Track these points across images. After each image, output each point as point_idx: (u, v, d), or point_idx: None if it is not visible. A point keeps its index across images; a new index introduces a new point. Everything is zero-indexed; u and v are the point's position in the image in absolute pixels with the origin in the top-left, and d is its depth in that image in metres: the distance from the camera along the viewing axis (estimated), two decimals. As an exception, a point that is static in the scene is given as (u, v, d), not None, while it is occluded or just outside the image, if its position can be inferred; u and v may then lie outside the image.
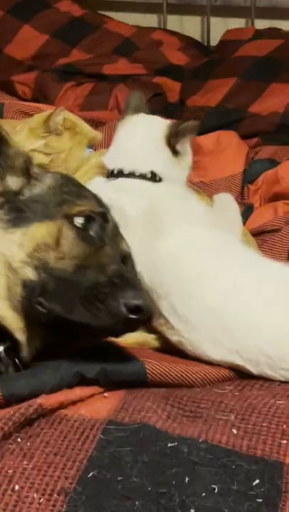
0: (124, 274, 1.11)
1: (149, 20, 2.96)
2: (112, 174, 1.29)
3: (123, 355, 1.14)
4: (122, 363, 1.10)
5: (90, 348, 1.14)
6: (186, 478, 0.85)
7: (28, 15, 2.83)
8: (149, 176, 1.27)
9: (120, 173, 1.27)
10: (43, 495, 0.83)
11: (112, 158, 1.31)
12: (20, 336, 1.09)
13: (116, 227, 1.18)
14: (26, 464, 0.87)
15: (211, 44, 2.83)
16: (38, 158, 1.54)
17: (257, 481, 0.86)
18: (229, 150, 1.96)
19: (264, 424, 0.96)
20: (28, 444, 0.89)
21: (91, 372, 1.04)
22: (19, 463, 0.87)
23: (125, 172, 1.27)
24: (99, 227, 1.14)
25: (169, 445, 0.89)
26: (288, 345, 1.12)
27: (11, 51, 2.78)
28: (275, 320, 1.13)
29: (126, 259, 1.18)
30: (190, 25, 2.92)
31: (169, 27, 2.91)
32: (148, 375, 1.09)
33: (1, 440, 0.88)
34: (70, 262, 1.09)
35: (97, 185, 1.25)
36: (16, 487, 0.84)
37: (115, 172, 1.27)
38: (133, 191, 1.25)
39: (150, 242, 1.20)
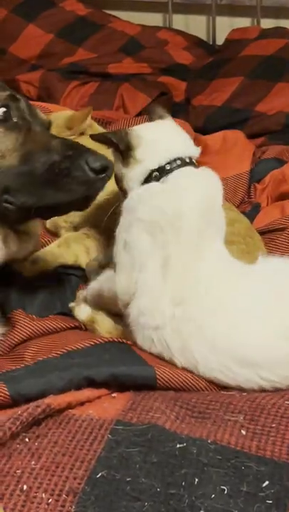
0: (71, 143, 1.14)
1: (155, 19, 2.95)
2: (162, 171, 1.25)
3: (134, 359, 1.13)
4: (132, 367, 1.09)
5: (99, 351, 1.13)
6: (196, 479, 0.84)
7: (32, 14, 2.82)
8: (188, 160, 1.28)
9: (175, 167, 1.25)
10: (51, 495, 0.83)
11: (160, 153, 1.27)
12: None
13: (25, 100, 1.20)
14: (34, 464, 0.86)
15: (217, 43, 2.82)
16: None
17: (266, 483, 0.86)
18: (235, 149, 1.95)
19: (273, 425, 0.95)
20: (36, 444, 0.89)
21: (101, 375, 1.04)
22: (27, 463, 0.86)
23: (178, 163, 1.25)
24: (16, 110, 1.15)
25: (178, 446, 0.89)
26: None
27: (16, 50, 2.77)
28: (272, 344, 1.09)
29: (50, 125, 1.22)
30: (195, 25, 2.91)
31: (174, 26, 2.90)
32: (158, 380, 1.09)
33: (8, 440, 0.88)
34: (12, 157, 1.12)
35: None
36: (24, 487, 0.84)
37: (168, 167, 1.25)
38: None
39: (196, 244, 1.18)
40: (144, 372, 1.09)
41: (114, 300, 1.22)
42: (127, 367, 1.08)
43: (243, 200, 1.80)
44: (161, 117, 1.36)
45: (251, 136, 2.12)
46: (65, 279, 1.44)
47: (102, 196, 1.53)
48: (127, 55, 2.66)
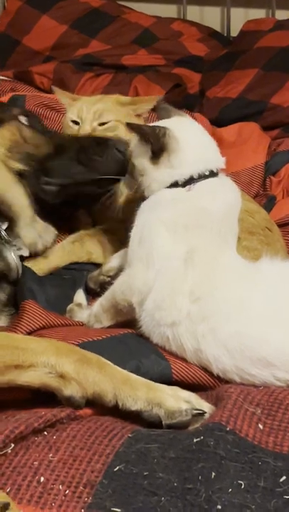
0: (94, 136, 1.44)
1: (169, 10, 2.93)
2: (190, 180, 1.23)
3: (150, 351, 1.13)
4: (150, 359, 1.09)
5: (114, 343, 1.13)
6: (213, 474, 0.84)
7: (46, 5, 2.81)
8: (216, 171, 1.27)
9: (203, 177, 1.24)
10: (68, 487, 0.83)
11: (194, 163, 1.25)
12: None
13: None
14: (52, 457, 0.86)
15: (231, 35, 2.80)
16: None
17: (284, 478, 0.86)
18: (251, 141, 1.94)
19: (290, 421, 0.95)
20: (55, 437, 0.89)
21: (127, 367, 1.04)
22: (45, 455, 0.87)
23: (207, 173, 1.24)
24: (36, 120, 1.47)
25: (195, 440, 0.89)
26: None
27: (30, 42, 2.77)
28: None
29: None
30: (210, 16, 2.89)
31: (188, 17, 2.88)
32: (173, 374, 1.09)
33: (28, 433, 0.88)
34: (47, 147, 1.39)
35: (178, 195, 1.23)
36: (42, 479, 0.84)
37: (196, 177, 1.23)
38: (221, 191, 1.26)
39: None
40: (160, 366, 1.09)
41: (129, 301, 1.20)
42: (146, 359, 1.08)
43: (259, 193, 1.80)
44: (176, 115, 1.33)
45: (266, 128, 2.11)
46: (77, 276, 1.42)
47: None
48: (141, 46, 2.65)
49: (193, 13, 2.91)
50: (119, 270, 1.31)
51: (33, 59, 2.72)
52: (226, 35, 2.84)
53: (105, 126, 1.57)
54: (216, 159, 1.29)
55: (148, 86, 2.40)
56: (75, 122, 1.60)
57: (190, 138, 1.27)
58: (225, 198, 1.25)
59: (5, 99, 2.10)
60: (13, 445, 0.88)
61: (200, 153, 1.27)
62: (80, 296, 1.35)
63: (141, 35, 2.70)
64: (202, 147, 1.28)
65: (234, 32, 2.78)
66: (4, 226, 1.35)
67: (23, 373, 0.97)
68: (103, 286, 1.35)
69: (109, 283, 1.31)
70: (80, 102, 1.63)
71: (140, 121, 1.60)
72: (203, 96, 2.40)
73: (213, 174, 1.25)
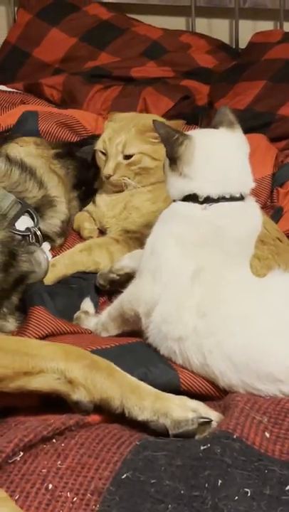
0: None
1: (178, 23, 2.95)
2: (208, 199, 1.20)
3: (158, 360, 1.14)
4: (158, 368, 1.10)
5: (123, 351, 1.14)
6: (219, 481, 0.85)
7: (56, 18, 2.84)
8: (238, 196, 1.22)
9: (222, 199, 1.19)
10: (76, 494, 0.84)
11: (211, 183, 1.20)
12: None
13: None
14: (60, 464, 0.87)
15: (240, 47, 2.82)
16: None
17: (290, 486, 0.86)
18: (258, 153, 1.95)
19: (297, 430, 0.95)
20: (63, 445, 0.90)
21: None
22: (53, 463, 0.88)
23: (227, 197, 1.19)
24: None
25: (202, 448, 0.89)
26: None
27: (40, 54, 2.80)
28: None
29: None
30: (218, 28, 2.91)
31: (197, 30, 2.90)
32: (181, 384, 1.09)
33: (37, 442, 0.89)
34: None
35: (194, 211, 1.20)
36: (50, 486, 0.85)
37: (215, 197, 1.19)
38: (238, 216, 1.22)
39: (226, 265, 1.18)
40: (169, 375, 1.10)
41: (135, 311, 1.20)
42: (155, 368, 1.09)
43: (266, 204, 1.80)
44: (224, 126, 1.27)
45: (274, 140, 2.12)
46: (84, 286, 1.42)
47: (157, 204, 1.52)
48: (150, 58, 2.67)
49: (202, 25, 2.93)
50: (130, 270, 1.31)
51: (43, 71, 2.75)
52: (234, 47, 2.86)
53: (130, 160, 1.57)
54: (241, 183, 1.23)
55: (157, 98, 2.42)
56: (103, 152, 1.62)
57: (213, 155, 1.22)
58: (241, 227, 1.22)
59: (16, 111, 2.12)
60: (22, 453, 0.89)
61: (220, 173, 1.21)
62: (87, 304, 1.36)
63: (150, 47, 2.73)
64: (225, 167, 1.21)
65: (242, 44, 2.79)
66: (48, 246, 1.41)
67: (32, 379, 0.98)
68: (113, 284, 1.36)
69: (119, 281, 1.32)
70: (106, 131, 1.64)
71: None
72: (212, 108, 2.42)
73: (234, 198, 1.21)
